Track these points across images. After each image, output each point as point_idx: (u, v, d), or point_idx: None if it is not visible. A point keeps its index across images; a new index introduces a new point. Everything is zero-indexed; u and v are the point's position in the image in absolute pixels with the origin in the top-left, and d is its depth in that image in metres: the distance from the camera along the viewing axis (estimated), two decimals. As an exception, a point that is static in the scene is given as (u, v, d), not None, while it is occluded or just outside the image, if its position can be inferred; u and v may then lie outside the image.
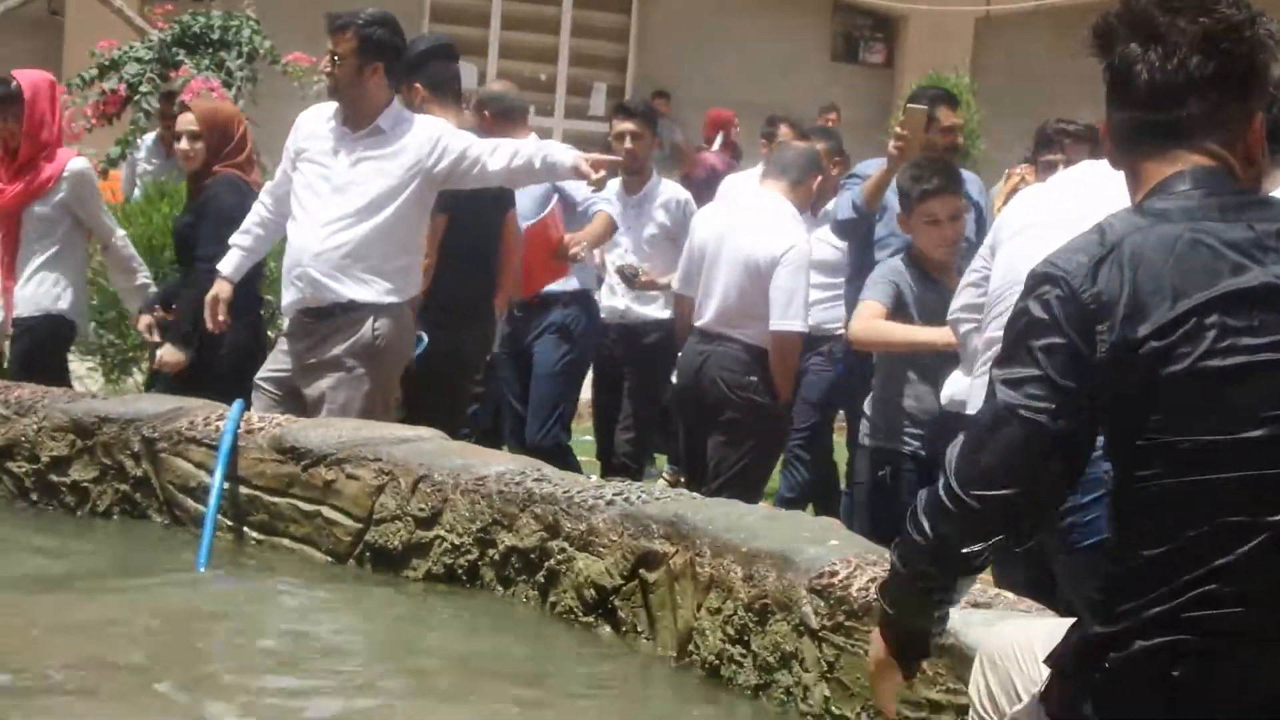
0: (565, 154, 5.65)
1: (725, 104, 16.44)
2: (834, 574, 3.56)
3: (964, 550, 2.20)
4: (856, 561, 3.59)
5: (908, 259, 5.43)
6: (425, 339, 5.81)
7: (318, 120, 5.73)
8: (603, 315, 7.30)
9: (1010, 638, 2.61)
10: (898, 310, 5.28)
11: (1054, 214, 4.10)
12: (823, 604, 3.54)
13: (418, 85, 6.03)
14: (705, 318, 6.10)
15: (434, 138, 5.60)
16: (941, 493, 2.20)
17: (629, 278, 7.06)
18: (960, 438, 2.23)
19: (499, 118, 6.82)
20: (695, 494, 4.38)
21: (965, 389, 4.82)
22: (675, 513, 4.05)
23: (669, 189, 7.54)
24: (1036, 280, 2.19)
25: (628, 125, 7.19)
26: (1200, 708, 2.09)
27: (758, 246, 5.95)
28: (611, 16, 17.88)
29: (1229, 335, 2.06)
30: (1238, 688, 2.09)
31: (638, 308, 7.30)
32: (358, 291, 5.51)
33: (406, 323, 5.77)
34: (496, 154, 5.62)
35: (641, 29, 17.71)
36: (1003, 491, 2.16)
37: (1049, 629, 2.47)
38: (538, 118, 17.30)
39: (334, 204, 5.55)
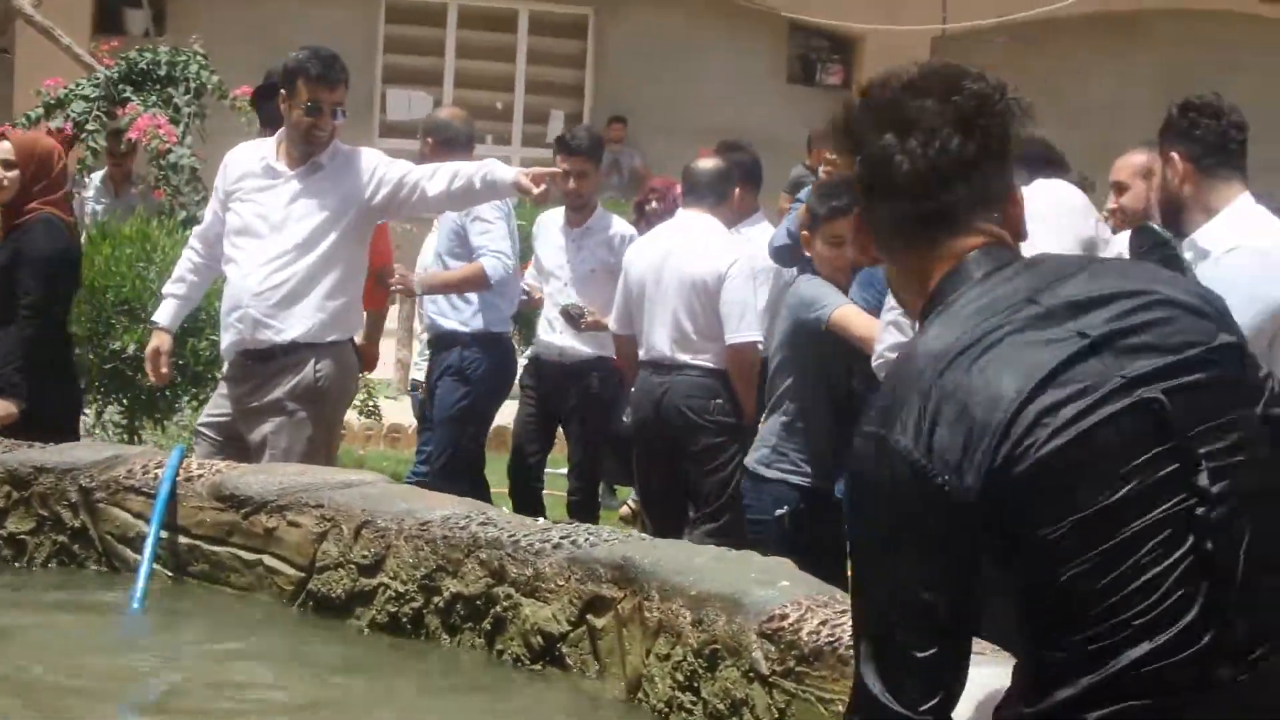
0: (505, 171, 5.58)
1: (683, 128, 16.47)
2: (784, 617, 3.48)
3: None
4: (807, 604, 3.52)
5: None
6: None
7: (249, 159, 5.68)
8: (539, 354, 7.18)
9: None
10: None
11: None
12: (773, 648, 3.47)
13: None
14: (657, 349, 6.04)
15: (370, 168, 5.56)
16: None
17: (574, 318, 6.87)
18: None
19: (442, 146, 6.78)
20: (644, 535, 4.32)
21: None
22: (623, 555, 3.97)
23: (615, 224, 7.41)
24: (857, 449, 2.10)
25: (571, 164, 7.04)
26: None
27: (700, 267, 5.96)
28: (568, 43, 17.92)
29: (1061, 412, 1.98)
30: None
31: (578, 346, 7.07)
32: (299, 331, 5.45)
33: (349, 361, 5.73)
34: (436, 178, 5.56)
35: (598, 55, 17.74)
36: None
37: (979, 673, 2.40)
38: (495, 146, 17.33)
39: (272, 242, 5.50)
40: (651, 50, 17.37)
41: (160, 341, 5.74)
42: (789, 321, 5.34)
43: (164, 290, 5.88)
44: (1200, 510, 1.98)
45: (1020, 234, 2.22)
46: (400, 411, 9.89)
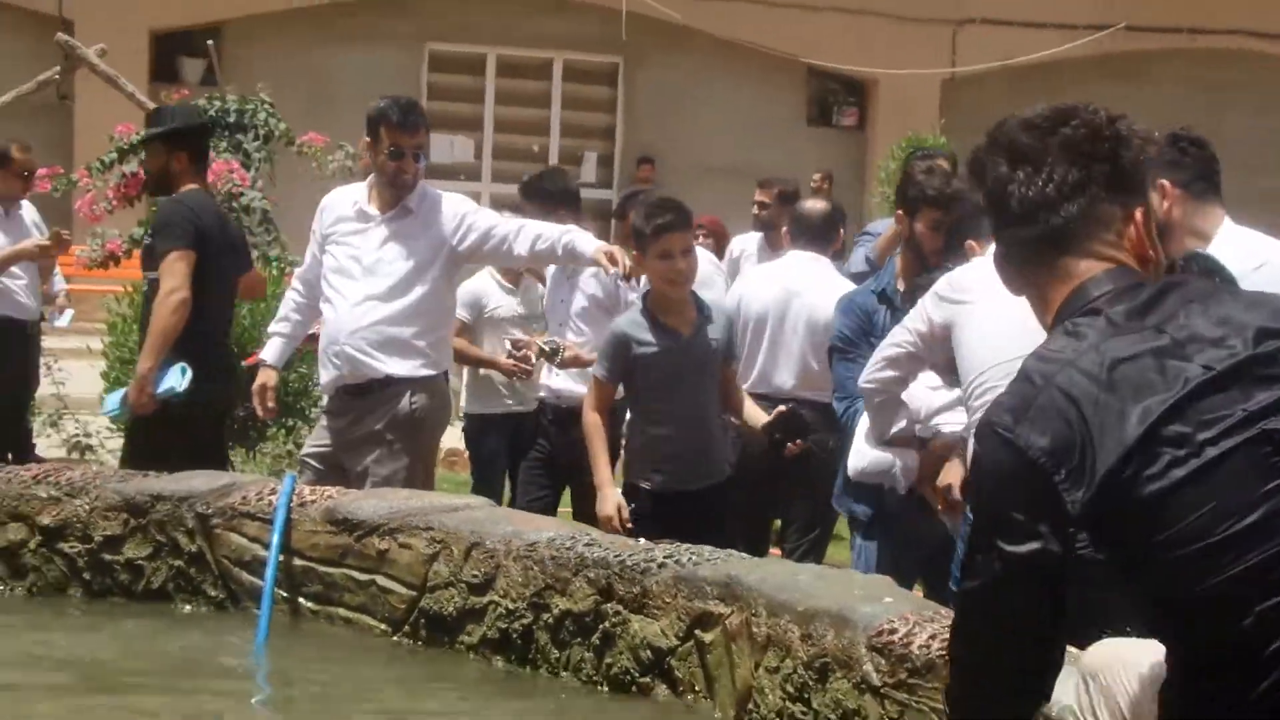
0: (587, 244, 5.54)
1: (707, 167, 16.52)
2: (893, 631, 3.48)
3: None
4: (914, 619, 3.51)
5: (643, 310, 5.29)
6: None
7: (343, 204, 5.71)
8: (541, 395, 6.82)
9: (1107, 653, 2.55)
10: (625, 373, 5.23)
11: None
12: (883, 661, 3.46)
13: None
14: (778, 385, 6.03)
15: (458, 215, 5.57)
16: None
17: (549, 355, 6.41)
18: None
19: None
20: (745, 555, 4.30)
21: (876, 461, 4.83)
22: (728, 574, 3.97)
23: None
24: (984, 439, 2.15)
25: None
26: None
27: (829, 309, 5.81)
28: (599, 89, 17.98)
29: (1185, 444, 2.00)
30: None
31: (575, 387, 6.45)
32: (394, 367, 5.48)
33: (442, 394, 5.75)
34: (522, 235, 5.56)
35: (627, 100, 17.81)
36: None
37: (1146, 647, 2.41)
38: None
39: (365, 284, 5.52)
40: (678, 95, 17.45)
41: (268, 378, 5.78)
42: None
43: (270, 329, 5.91)
44: None
45: (1147, 255, 2.23)
46: (453, 438, 9.91)
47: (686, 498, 5.17)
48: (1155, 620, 2.14)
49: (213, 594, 4.95)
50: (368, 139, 5.70)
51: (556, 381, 6.64)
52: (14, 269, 7.87)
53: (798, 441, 5.41)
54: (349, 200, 5.69)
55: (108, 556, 5.04)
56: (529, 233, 5.58)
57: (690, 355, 5.24)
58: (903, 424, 4.82)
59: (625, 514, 5.12)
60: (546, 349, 6.41)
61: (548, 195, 6.86)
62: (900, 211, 5.62)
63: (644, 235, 5.20)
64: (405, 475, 5.42)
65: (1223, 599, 1.98)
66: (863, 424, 4.90)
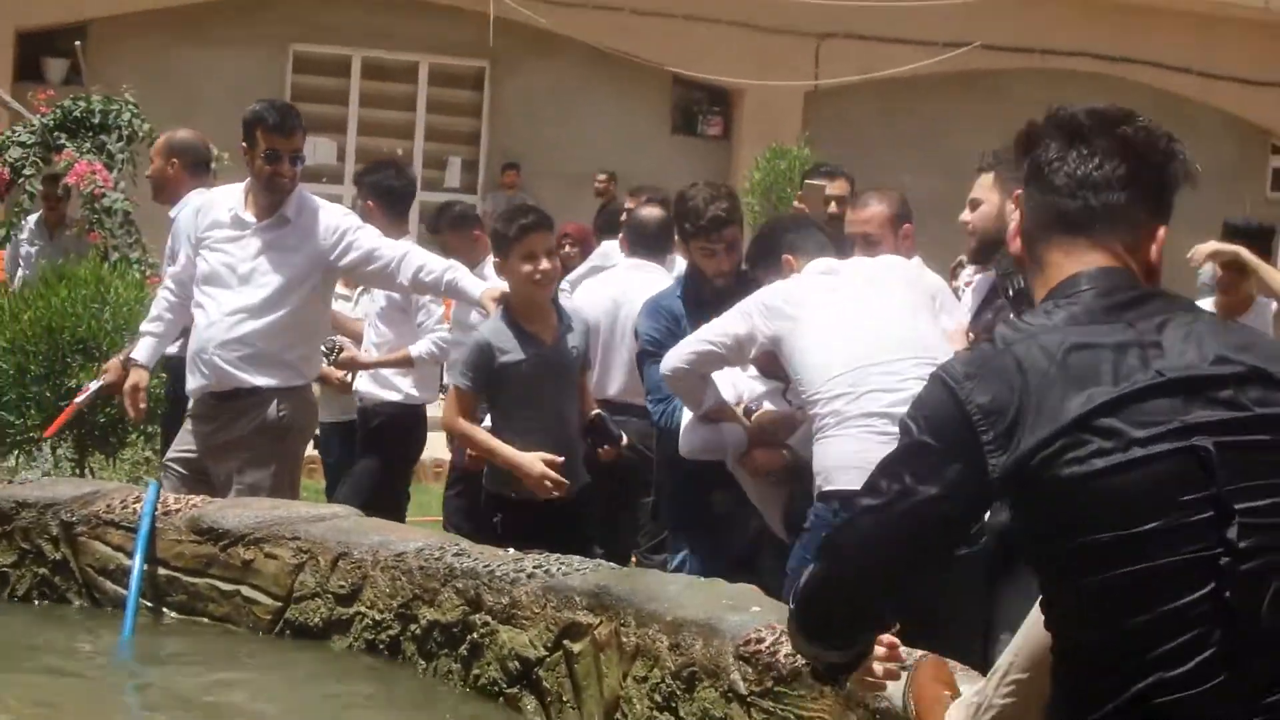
0: (473, 285, 5.52)
1: (572, 174, 16.51)
2: (760, 640, 3.52)
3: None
4: (781, 628, 3.51)
5: (505, 317, 5.22)
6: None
7: (219, 207, 5.61)
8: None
9: None
10: (489, 384, 5.19)
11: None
12: (750, 670, 3.50)
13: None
14: (609, 392, 6.04)
15: (339, 229, 5.51)
16: None
17: (326, 354, 6.45)
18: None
19: (191, 168, 6.69)
20: (615, 565, 4.33)
21: (706, 439, 4.88)
22: (597, 583, 4.00)
23: None
24: (932, 383, 2.20)
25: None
26: None
27: None
28: (465, 93, 17.89)
29: (1114, 438, 2.04)
30: None
31: (374, 390, 6.76)
32: (260, 379, 5.43)
33: (308, 402, 5.71)
34: (405, 264, 5.51)
35: (493, 105, 17.74)
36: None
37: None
38: (397, 190, 17.20)
39: (238, 294, 5.46)
40: (544, 101, 17.40)
41: (139, 378, 5.67)
42: None
43: (141, 328, 5.80)
44: (1225, 560, 2.01)
45: (1152, 271, 2.28)
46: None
47: (552, 505, 5.16)
48: (1048, 607, 2.19)
49: (77, 602, 4.90)
50: (243, 143, 5.63)
51: (362, 385, 6.75)
52: None
53: (606, 448, 5.44)
54: (225, 205, 5.59)
55: None
56: (412, 262, 5.53)
57: (553, 363, 5.22)
58: (713, 397, 4.87)
59: (551, 465, 5.05)
60: (323, 347, 6.36)
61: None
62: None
63: (506, 238, 5.16)
64: (270, 483, 5.38)
65: (1115, 594, 2.03)
66: (687, 412, 4.94)
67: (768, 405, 4.91)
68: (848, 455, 4.22)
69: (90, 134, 10.41)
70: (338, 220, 5.57)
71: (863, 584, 2.23)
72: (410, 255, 5.58)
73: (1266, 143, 19.18)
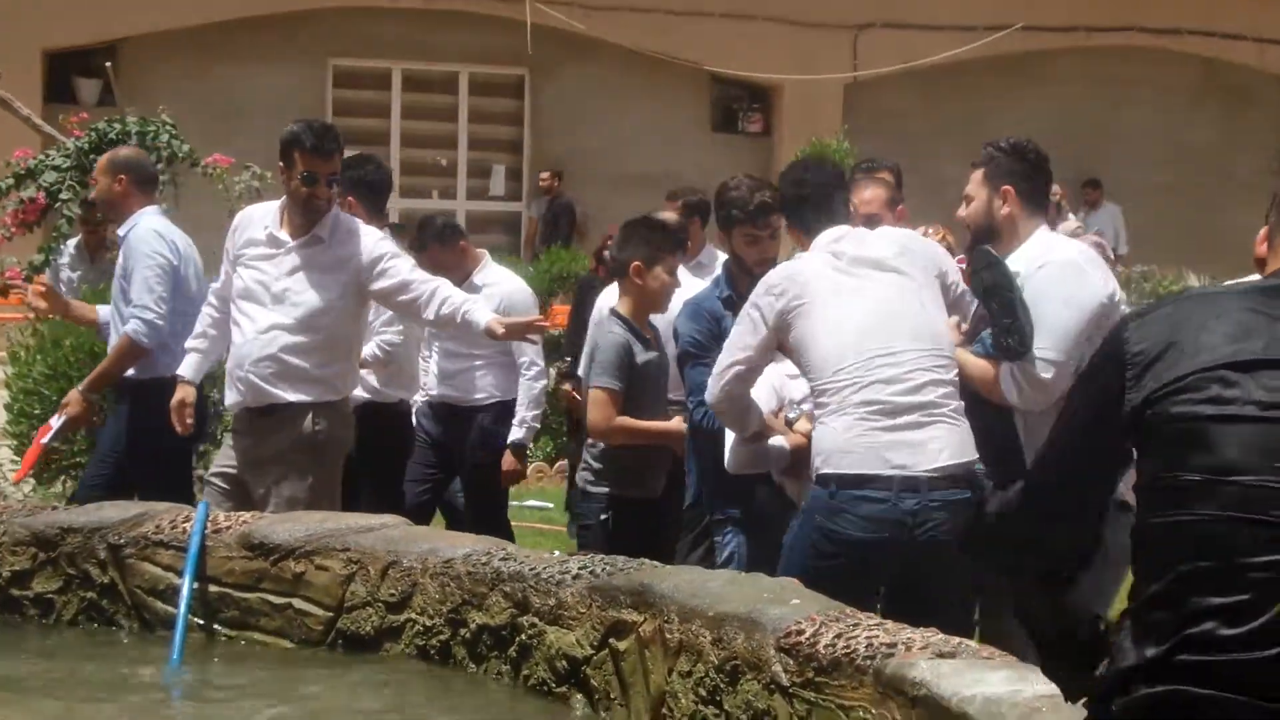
0: (482, 315, 5.57)
1: (616, 177, 16.55)
2: (800, 632, 3.56)
3: None
4: (820, 619, 3.59)
5: (624, 323, 5.46)
6: None
7: (255, 225, 5.66)
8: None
9: None
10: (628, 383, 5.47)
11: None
12: (791, 662, 3.54)
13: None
14: None
15: (375, 254, 5.55)
16: None
17: None
18: None
19: (138, 184, 6.63)
20: (658, 563, 4.36)
21: (751, 456, 4.93)
22: (641, 582, 4.05)
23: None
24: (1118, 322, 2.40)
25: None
26: None
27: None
28: (505, 101, 17.97)
29: (1235, 389, 2.10)
30: None
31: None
32: (295, 394, 5.48)
33: (345, 415, 5.75)
34: (433, 300, 5.55)
35: (534, 112, 17.81)
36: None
37: None
38: (441, 200, 17.35)
39: (273, 312, 5.52)
40: (583, 105, 17.47)
41: (185, 394, 5.71)
42: None
43: (186, 345, 5.87)
44: None
45: None
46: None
47: (657, 505, 5.41)
48: (1135, 550, 2.24)
49: (125, 624, 4.94)
50: (280, 163, 5.68)
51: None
52: None
53: None
54: (261, 222, 5.65)
55: (16, 592, 5.03)
56: (438, 297, 5.57)
57: (662, 365, 5.48)
58: (757, 420, 4.91)
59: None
60: None
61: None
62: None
63: (658, 251, 5.43)
64: (307, 496, 5.43)
65: (1194, 532, 2.08)
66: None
67: (805, 408, 4.93)
68: (845, 439, 4.26)
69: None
70: (374, 245, 5.60)
71: (1048, 498, 2.36)
72: (439, 290, 5.60)
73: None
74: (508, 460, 6.72)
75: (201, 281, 6.50)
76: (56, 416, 6.35)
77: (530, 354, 6.87)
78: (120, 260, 6.45)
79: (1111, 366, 2.23)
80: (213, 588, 4.83)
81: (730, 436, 4.93)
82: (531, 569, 4.30)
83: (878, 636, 3.46)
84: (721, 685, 3.72)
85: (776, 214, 5.26)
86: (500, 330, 5.49)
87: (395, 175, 17.33)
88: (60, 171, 10.66)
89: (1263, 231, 2.39)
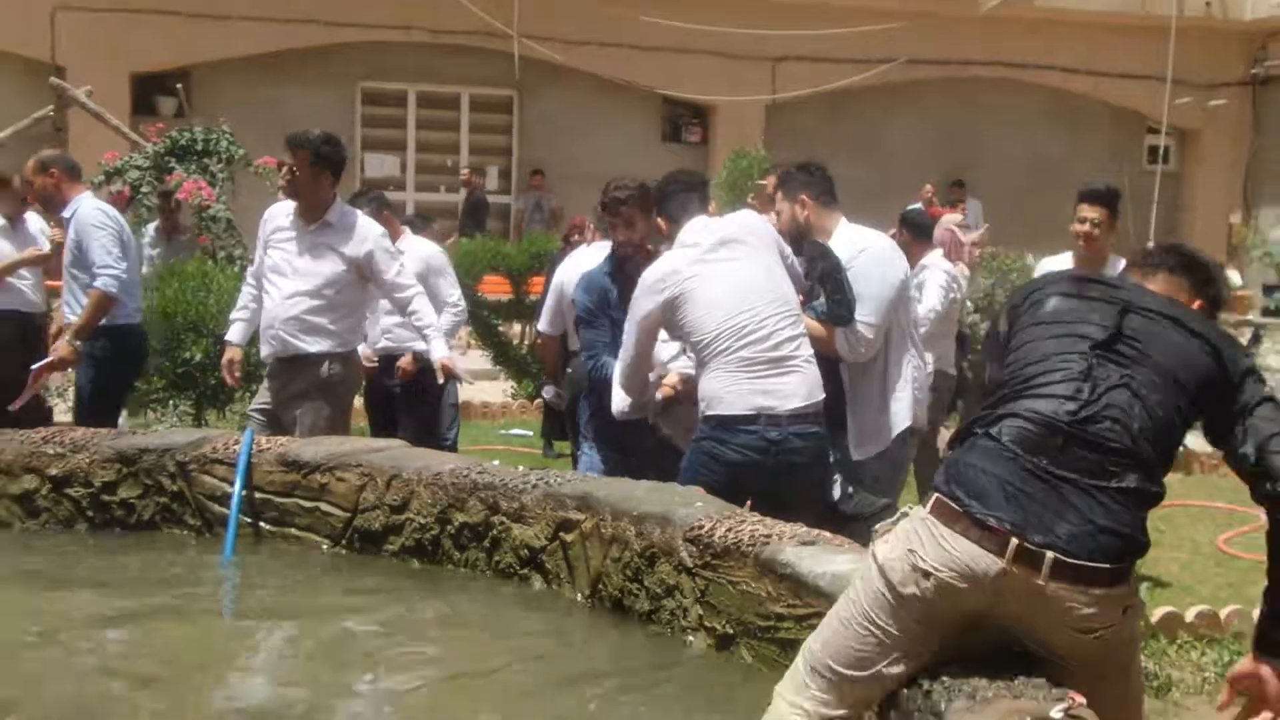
0: (438, 349, 5.76)
1: (585, 177, 16.54)
2: (701, 527, 3.68)
3: None
4: (716, 518, 3.71)
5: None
6: None
7: (280, 216, 5.72)
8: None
9: None
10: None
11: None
12: (695, 549, 3.65)
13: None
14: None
15: (369, 250, 5.64)
16: None
17: None
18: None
19: (67, 174, 6.63)
20: (599, 476, 4.43)
21: (634, 406, 4.87)
22: (584, 490, 4.13)
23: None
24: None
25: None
26: None
27: None
28: (499, 116, 17.93)
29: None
30: None
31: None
32: (314, 346, 5.57)
33: (355, 362, 5.86)
34: (408, 307, 5.75)
35: (521, 125, 17.79)
36: None
37: None
38: (448, 194, 17.34)
39: (293, 281, 5.59)
40: (561, 120, 17.46)
41: (233, 354, 5.82)
42: None
43: (231, 316, 5.92)
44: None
45: None
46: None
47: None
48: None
49: (191, 523, 4.94)
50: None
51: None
52: (22, 270, 7.78)
53: None
54: (284, 213, 5.71)
55: (106, 498, 5.01)
56: (413, 307, 5.73)
57: None
58: (646, 385, 4.90)
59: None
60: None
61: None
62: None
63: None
64: (324, 425, 5.51)
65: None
66: (615, 374, 4.89)
67: (673, 367, 4.89)
68: (724, 389, 4.30)
69: (195, 158, 10.49)
70: (372, 241, 5.66)
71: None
72: (415, 301, 5.74)
73: (1143, 124, 19.14)
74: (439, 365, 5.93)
75: (130, 247, 6.64)
76: (41, 360, 6.45)
77: (454, 298, 6.92)
78: (71, 235, 6.47)
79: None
80: (257, 494, 4.84)
81: (616, 385, 4.88)
82: (501, 480, 4.35)
83: (758, 530, 3.57)
84: (642, 567, 3.83)
85: (626, 206, 5.18)
86: (440, 369, 5.72)
87: (410, 175, 17.49)
88: (141, 170, 10.72)
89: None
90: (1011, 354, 2.75)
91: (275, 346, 5.62)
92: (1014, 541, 2.43)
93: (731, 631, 3.53)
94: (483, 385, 8.45)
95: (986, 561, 2.45)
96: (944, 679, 2.52)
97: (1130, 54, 18.00)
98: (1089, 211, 5.72)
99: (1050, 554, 2.41)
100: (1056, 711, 2.26)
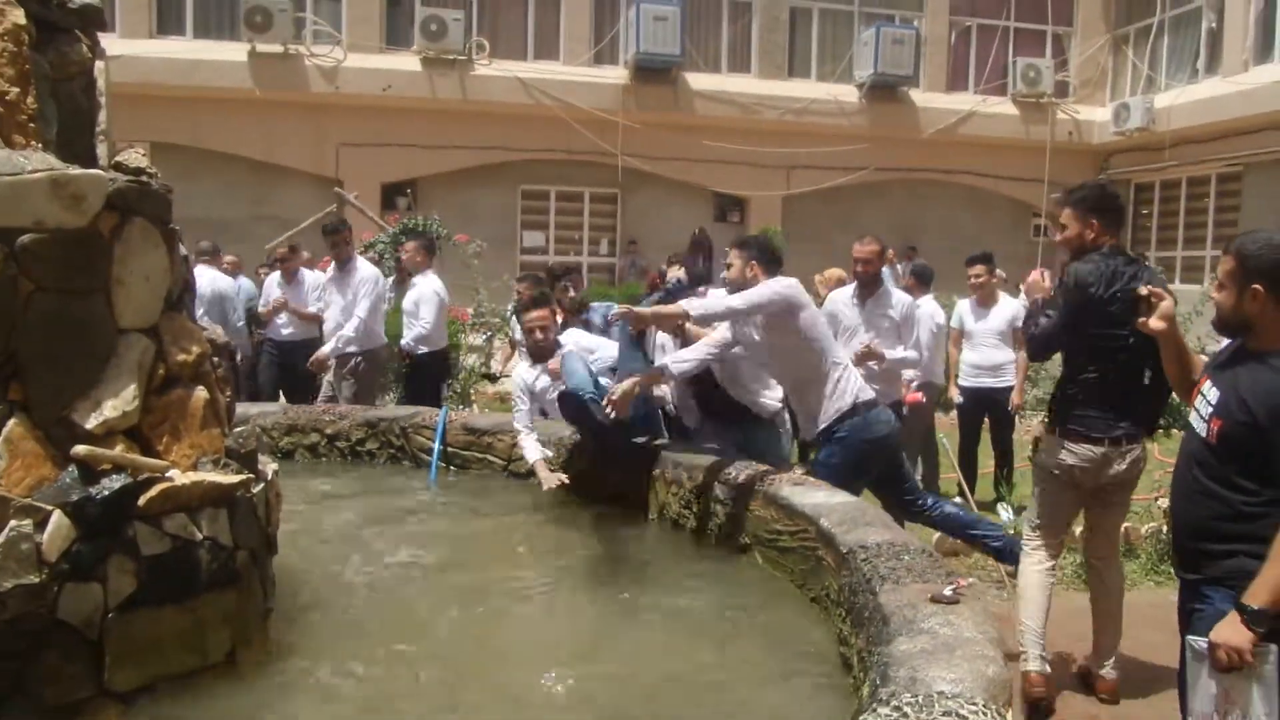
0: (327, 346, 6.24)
1: (661, 245, 16.46)
2: (730, 472, 3.61)
3: None
4: (741, 467, 3.61)
5: None
6: None
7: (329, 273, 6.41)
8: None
9: None
10: None
11: None
12: (725, 488, 3.57)
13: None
14: None
15: (361, 282, 6.31)
16: None
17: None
18: None
19: (426, 252, 6.77)
20: (667, 441, 4.15)
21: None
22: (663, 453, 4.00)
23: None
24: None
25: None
26: None
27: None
28: (607, 205, 17.85)
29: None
30: None
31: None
32: (352, 348, 6.15)
33: (379, 355, 6.37)
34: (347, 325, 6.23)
35: (623, 211, 17.72)
36: None
37: None
38: (574, 256, 17.34)
39: (336, 310, 6.31)
40: (647, 207, 17.44)
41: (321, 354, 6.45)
42: None
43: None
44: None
45: None
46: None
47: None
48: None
49: (409, 465, 4.89)
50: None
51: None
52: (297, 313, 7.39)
53: None
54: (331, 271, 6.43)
55: (358, 448, 5.03)
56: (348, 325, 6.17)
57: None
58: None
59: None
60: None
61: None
62: None
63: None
64: (358, 400, 6.04)
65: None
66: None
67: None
68: (853, 392, 3.73)
69: (418, 234, 10.67)
70: (365, 279, 6.30)
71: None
72: (350, 322, 6.20)
73: (1029, 210, 18.68)
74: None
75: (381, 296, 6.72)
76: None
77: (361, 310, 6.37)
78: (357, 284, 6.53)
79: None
80: (450, 449, 4.80)
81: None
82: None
83: (766, 473, 3.50)
84: (692, 500, 3.76)
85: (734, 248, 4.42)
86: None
87: (551, 244, 17.59)
88: (385, 243, 10.93)
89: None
90: None
91: (334, 350, 6.22)
92: None
93: (748, 541, 3.47)
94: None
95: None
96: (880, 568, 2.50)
97: (1020, 165, 17.58)
98: (976, 269, 5.69)
99: None
100: (947, 590, 2.22)
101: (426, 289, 6.69)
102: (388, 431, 4.97)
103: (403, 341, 6.06)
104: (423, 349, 6.48)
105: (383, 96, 15.56)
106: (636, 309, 3.63)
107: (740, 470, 3.63)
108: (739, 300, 3.63)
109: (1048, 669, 3.35)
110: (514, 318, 6.68)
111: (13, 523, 2.11)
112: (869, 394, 3.78)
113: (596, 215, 18.18)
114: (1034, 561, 3.42)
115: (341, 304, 6.38)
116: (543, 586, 3.19)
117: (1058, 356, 3.41)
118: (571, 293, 5.92)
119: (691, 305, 3.63)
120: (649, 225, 17.36)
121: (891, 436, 3.76)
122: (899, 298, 5.15)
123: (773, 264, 3.90)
